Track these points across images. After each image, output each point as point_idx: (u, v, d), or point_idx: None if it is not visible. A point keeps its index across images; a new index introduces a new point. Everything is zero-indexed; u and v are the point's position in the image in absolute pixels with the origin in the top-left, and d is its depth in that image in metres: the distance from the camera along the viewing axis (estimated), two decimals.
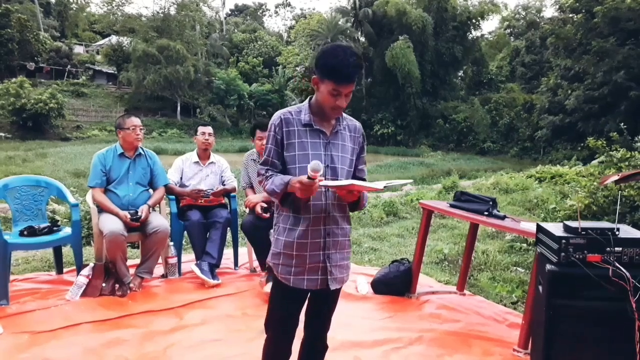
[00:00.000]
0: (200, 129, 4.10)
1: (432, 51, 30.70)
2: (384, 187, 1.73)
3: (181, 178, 4.05)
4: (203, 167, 4.08)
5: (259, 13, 59.38)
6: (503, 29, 39.21)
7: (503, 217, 3.00)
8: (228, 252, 4.17)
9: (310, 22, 35.89)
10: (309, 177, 1.60)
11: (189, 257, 4.05)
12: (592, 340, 2.10)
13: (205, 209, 3.94)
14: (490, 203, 3.14)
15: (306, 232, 1.78)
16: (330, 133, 1.83)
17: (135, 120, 3.65)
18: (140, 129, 3.64)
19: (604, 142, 5.70)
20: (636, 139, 6.03)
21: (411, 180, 2.20)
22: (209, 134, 4.07)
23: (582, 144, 18.38)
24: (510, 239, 5.18)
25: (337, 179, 1.81)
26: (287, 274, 1.80)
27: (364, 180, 1.96)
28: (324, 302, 1.93)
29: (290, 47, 40.39)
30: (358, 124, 1.95)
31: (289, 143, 1.79)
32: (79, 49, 41.69)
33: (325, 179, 1.75)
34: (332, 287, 1.84)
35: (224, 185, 4.11)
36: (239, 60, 40.57)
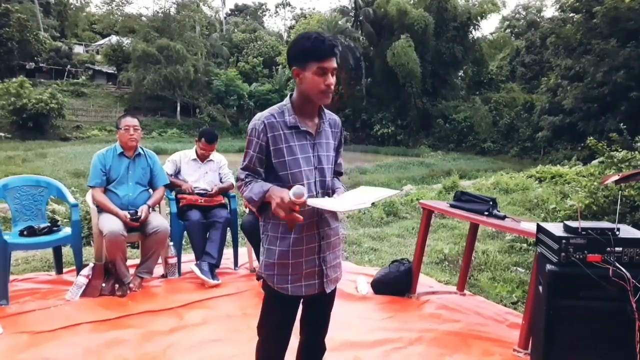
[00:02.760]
0: (204, 144, 4.01)
1: (432, 51, 30.67)
2: (372, 204, 1.72)
3: (178, 174, 4.06)
4: (202, 165, 4.09)
5: (259, 13, 59.32)
6: (503, 29, 39.21)
7: (503, 217, 3.00)
8: (228, 252, 4.17)
9: (310, 22, 35.87)
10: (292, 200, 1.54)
11: (188, 257, 4.05)
12: (592, 341, 2.10)
13: (205, 209, 3.94)
14: (491, 203, 3.14)
15: (300, 238, 1.72)
16: (315, 133, 1.77)
17: (130, 120, 3.62)
18: (135, 129, 3.60)
19: (604, 144, 5.69)
20: (636, 139, 6.02)
21: (397, 191, 2.14)
22: (210, 151, 4.07)
23: (582, 144, 18.37)
24: (510, 239, 5.17)
25: (325, 180, 1.78)
26: (284, 283, 1.74)
27: (340, 173, 1.96)
28: (321, 306, 1.89)
29: None
30: (337, 118, 1.90)
31: (276, 149, 1.69)
32: (78, 49, 41.67)
33: (314, 186, 1.74)
34: (328, 289, 1.80)
35: (222, 182, 4.12)
36: (239, 60, 40.55)
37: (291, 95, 1.78)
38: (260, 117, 1.74)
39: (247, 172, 1.74)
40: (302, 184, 1.67)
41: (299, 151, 1.72)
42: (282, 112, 1.74)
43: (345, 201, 1.71)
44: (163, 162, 3.94)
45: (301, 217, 1.58)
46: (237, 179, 1.78)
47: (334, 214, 1.83)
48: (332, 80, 1.68)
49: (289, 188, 1.58)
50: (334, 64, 1.67)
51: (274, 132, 1.70)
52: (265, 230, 1.79)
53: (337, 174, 1.94)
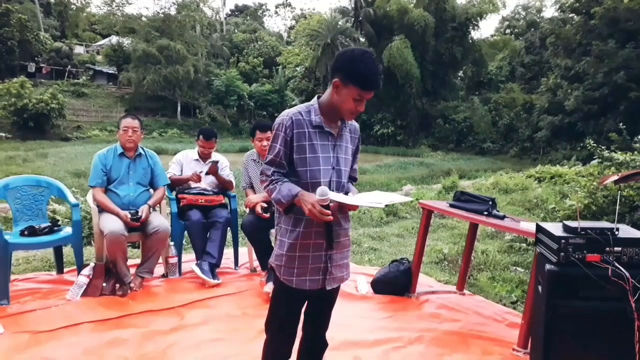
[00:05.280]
0: (202, 141, 4.06)
1: (432, 51, 30.67)
2: (385, 205, 1.76)
3: (181, 173, 4.07)
4: (203, 165, 4.09)
5: (259, 13, 59.30)
6: (503, 29, 39.21)
7: (503, 217, 3.01)
8: (228, 252, 4.17)
9: (311, 22, 35.86)
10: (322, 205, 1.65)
11: (189, 257, 4.05)
12: (591, 340, 2.10)
13: (205, 208, 3.95)
14: (490, 203, 3.15)
15: (309, 232, 1.78)
16: (337, 134, 1.83)
17: (129, 122, 3.62)
18: (134, 130, 3.60)
19: (602, 148, 5.68)
20: (635, 139, 6.02)
21: (408, 199, 2.19)
22: (209, 148, 4.07)
23: (581, 144, 18.38)
24: (509, 238, 5.18)
25: (341, 181, 1.83)
26: (290, 275, 1.80)
27: (355, 179, 2.01)
28: (324, 301, 1.93)
29: (291, 48, 40.39)
30: (356, 124, 1.96)
31: (299, 145, 1.76)
32: (79, 49, 41.64)
33: (330, 185, 1.78)
34: (329, 287, 1.83)
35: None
36: (239, 60, 40.55)
37: (319, 97, 1.84)
38: (288, 113, 1.79)
39: (273, 168, 1.79)
40: (320, 182, 1.75)
41: (320, 150, 1.78)
42: (308, 112, 1.80)
43: (361, 199, 1.79)
44: (164, 163, 3.95)
45: (331, 215, 1.67)
46: (262, 174, 1.82)
47: (345, 216, 1.88)
48: (363, 106, 1.74)
49: (306, 186, 1.73)
50: (371, 94, 1.73)
51: (300, 129, 1.76)
52: (279, 222, 1.86)
53: (352, 179, 1.98)
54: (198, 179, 3.93)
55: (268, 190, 1.80)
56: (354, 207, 1.81)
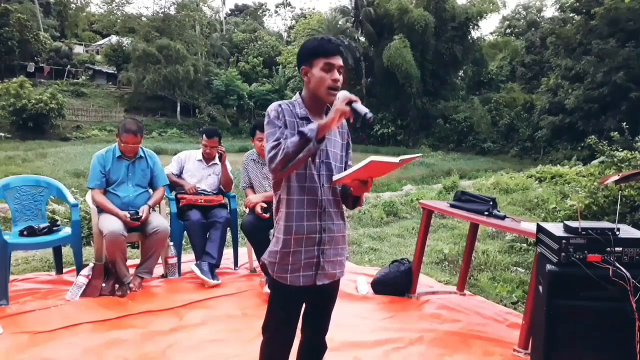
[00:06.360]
0: (205, 139, 4.05)
1: (432, 51, 30.66)
2: (400, 159, 1.61)
3: (181, 173, 4.07)
4: (206, 167, 4.09)
5: (259, 13, 59.28)
6: (504, 29, 39.21)
7: (503, 217, 3.00)
8: (228, 252, 4.17)
9: (310, 22, 35.88)
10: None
11: (188, 257, 4.05)
12: (592, 340, 2.10)
13: (205, 209, 3.94)
14: (491, 203, 3.14)
15: (302, 227, 1.76)
16: None
17: (130, 138, 3.54)
18: (134, 146, 3.57)
19: (605, 144, 5.69)
20: (637, 138, 6.02)
21: (421, 155, 2.15)
22: (212, 147, 4.03)
23: (582, 144, 18.38)
24: (510, 239, 5.17)
25: (331, 175, 1.79)
26: (284, 272, 1.78)
27: None
28: (320, 301, 1.90)
29: (291, 47, 40.35)
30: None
31: (289, 134, 1.74)
32: (78, 49, 41.62)
33: (319, 178, 1.75)
34: (319, 282, 1.80)
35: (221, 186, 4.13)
36: (239, 60, 40.54)
37: (300, 92, 1.84)
38: (276, 103, 1.79)
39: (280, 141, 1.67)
40: (306, 174, 1.73)
41: None
42: (293, 105, 1.80)
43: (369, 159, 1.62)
44: (163, 163, 3.95)
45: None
46: (269, 152, 1.66)
47: (339, 211, 1.85)
48: (338, 76, 1.74)
49: (294, 179, 1.72)
50: (339, 61, 1.75)
51: (290, 117, 1.77)
52: (279, 219, 1.81)
53: None
54: (194, 191, 3.93)
55: (281, 151, 1.61)
56: (360, 191, 1.73)
